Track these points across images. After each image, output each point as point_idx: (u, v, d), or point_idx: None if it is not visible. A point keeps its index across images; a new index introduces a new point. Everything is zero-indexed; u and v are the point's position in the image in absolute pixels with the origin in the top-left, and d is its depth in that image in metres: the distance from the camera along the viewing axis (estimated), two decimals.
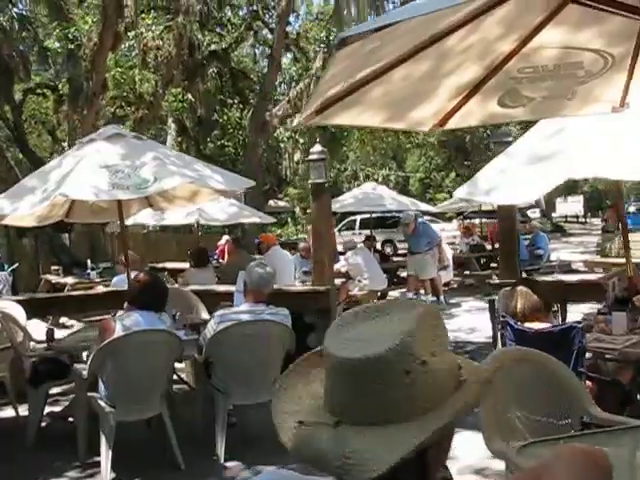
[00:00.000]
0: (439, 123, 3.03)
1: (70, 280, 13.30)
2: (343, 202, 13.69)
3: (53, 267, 14.86)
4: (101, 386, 4.67)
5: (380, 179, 35.35)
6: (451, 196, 36.23)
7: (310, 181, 6.64)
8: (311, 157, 6.65)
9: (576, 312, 6.73)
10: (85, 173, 5.09)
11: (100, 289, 12.30)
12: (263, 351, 4.87)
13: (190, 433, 5.13)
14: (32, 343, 6.29)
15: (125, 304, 5.05)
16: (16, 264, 14.58)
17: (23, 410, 6.10)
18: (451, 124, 3.06)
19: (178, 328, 5.24)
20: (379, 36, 1.71)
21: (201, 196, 6.38)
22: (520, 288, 4.19)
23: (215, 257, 14.26)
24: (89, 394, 4.83)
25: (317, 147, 6.69)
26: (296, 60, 23.74)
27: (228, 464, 4.85)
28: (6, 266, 14.06)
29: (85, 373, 4.71)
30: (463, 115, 3.01)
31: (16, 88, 20.44)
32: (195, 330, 5.47)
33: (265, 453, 5.14)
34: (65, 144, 20.37)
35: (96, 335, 5.62)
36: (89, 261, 13.75)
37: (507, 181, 4.27)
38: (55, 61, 21.36)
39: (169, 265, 13.92)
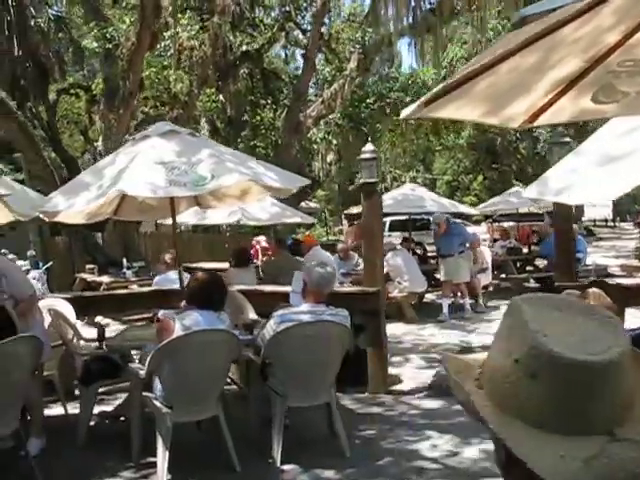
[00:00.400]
0: (529, 119, 2.91)
1: (106, 279, 13.32)
2: (383, 203, 13.49)
3: (88, 266, 14.88)
4: (157, 386, 4.60)
5: (407, 181, 35.17)
6: (479, 199, 36.15)
7: (361, 180, 6.55)
8: (363, 156, 6.55)
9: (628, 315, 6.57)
10: (141, 169, 5.03)
11: (135, 288, 12.35)
12: (323, 352, 4.78)
13: (243, 435, 5.04)
14: (81, 341, 6.26)
15: (182, 303, 4.98)
16: (50, 262, 14.62)
17: (71, 408, 6.09)
18: (541, 120, 2.95)
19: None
20: (544, 20, 1.61)
21: (251, 195, 6.30)
22: (593, 290, 4.07)
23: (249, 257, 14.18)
24: (144, 394, 4.77)
25: (369, 146, 6.59)
26: (327, 61, 23.67)
27: (285, 467, 4.77)
28: (41, 264, 14.09)
29: (142, 373, 4.64)
30: (555, 111, 2.89)
31: (50, 88, 20.59)
32: (248, 330, 5.39)
33: (320, 455, 5.09)
34: (98, 144, 20.48)
35: (148, 334, 5.60)
36: (125, 260, 13.75)
37: (580, 181, 4.16)
38: (88, 61, 21.51)
39: (204, 265, 13.87)
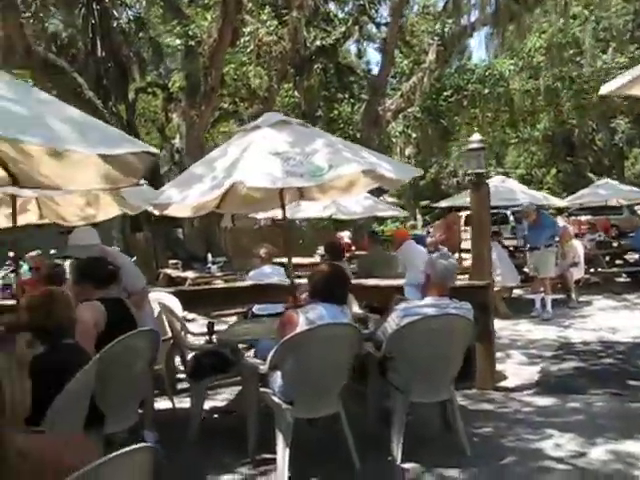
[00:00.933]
0: None
1: (191, 274, 13.44)
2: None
3: (171, 261, 15.05)
4: (277, 381, 4.50)
5: None
6: (552, 192, 35.19)
7: (469, 171, 6.37)
8: (470, 146, 6.38)
9: None
10: (256, 159, 4.93)
11: (219, 283, 12.40)
12: (447, 346, 4.62)
13: (360, 431, 4.88)
14: (189, 335, 6.26)
15: (303, 295, 4.89)
16: (133, 258, 14.83)
17: (176, 402, 6.09)
18: None
19: None
20: None
21: (358, 187, 6.13)
22: None
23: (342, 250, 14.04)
24: (262, 389, 4.69)
25: (476, 136, 6.42)
26: (402, 53, 23.43)
27: (406, 465, 4.62)
28: None
29: (263, 367, 4.55)
30: None
31: (129, 87, 20.97)
32: (363, 324, 5.27)
33: (440, 454, 4.91)
34: (175, 141, 20.75)
35: (260, 328, 5.54)
36: (209, 255, 13.84)
37: None
38: (164, 60, 21.81)
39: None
